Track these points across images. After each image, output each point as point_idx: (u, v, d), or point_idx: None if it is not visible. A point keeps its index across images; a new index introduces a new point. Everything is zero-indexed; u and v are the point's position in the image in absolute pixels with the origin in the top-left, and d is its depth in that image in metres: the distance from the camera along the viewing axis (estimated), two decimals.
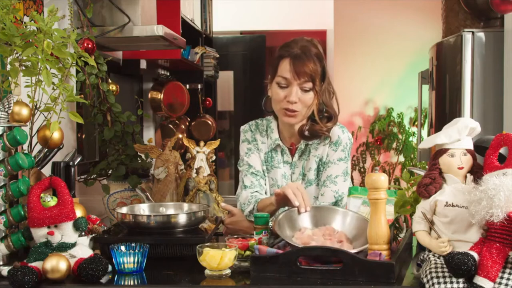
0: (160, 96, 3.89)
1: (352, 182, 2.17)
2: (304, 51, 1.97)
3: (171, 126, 4.12)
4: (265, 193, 2.12)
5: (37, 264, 1.47)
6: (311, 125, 2.05)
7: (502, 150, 1.45)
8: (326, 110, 2.05)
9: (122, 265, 1.53)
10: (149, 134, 4.05)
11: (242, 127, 2.21)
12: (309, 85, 1.97)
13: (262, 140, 2.15)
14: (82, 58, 1.81)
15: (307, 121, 2.07)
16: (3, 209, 1.62)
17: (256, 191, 2.09)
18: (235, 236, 1.73)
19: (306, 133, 2.05)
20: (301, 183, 2.09)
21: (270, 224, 1.77)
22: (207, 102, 4.61)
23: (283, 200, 1.87)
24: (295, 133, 2.08)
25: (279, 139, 2.11)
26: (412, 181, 1.74)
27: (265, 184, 2.13)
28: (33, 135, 1.84)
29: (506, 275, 1.29)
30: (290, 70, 1.96)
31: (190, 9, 4.04)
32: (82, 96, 2.33)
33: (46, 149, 1.94)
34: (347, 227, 1.71)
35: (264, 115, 2.22)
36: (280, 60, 2.00)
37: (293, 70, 1.95)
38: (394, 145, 5.46)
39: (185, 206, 1.96)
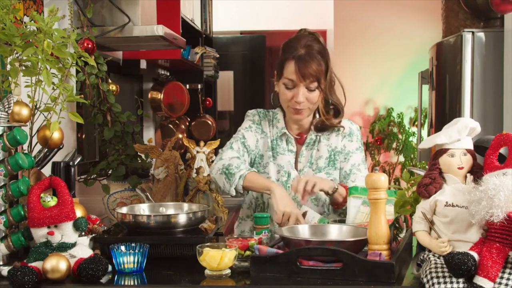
0: (160, 96, 3.89)
1: None
2: (308, 51, 2.00)
3: (171, 126, 4.12)
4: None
5: (37, 264, 1.47)
6: (323, 121, 2.10)
7: (502, 150, 1.44)
8: (332, 103, 2.11)
9: (122, 265, 1.53)
10: (149, 134, 4.05)
11: (249, 111, 2.23)
12: (314, 85, 2.01)
13: (268, 129, 2.17)
14: (82, 58, 1.81)
15: (313, 117, 2.13)
16: (3, 209, 1.62)
17: (240, 160, 2.06)
18: (235, 236, 1.73)
19: (320, 126, 2.11)
20: (309, 171, 2.11)
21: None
22: (207, 102, 4.61)
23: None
24: (302, 124, 2.13)
25: (285, 128, 2.14)
26: (412, 181, 1.74)
27: (249, 163, 2.13)
28: (33, 135, 1.84)
29: (506, 275, 1.29)
30: (296, 73, 1.99)
31: (190, 9, 4.04)
32: (82, 96, 2.34)
33: (46, 149, 1.94)
34: (344, 236, 1.69)
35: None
36: (285, 62, 2.03)
37: (298, 72, 1.99)
38: (394, 145, 5.46)
39: (185, 206, 1.96)
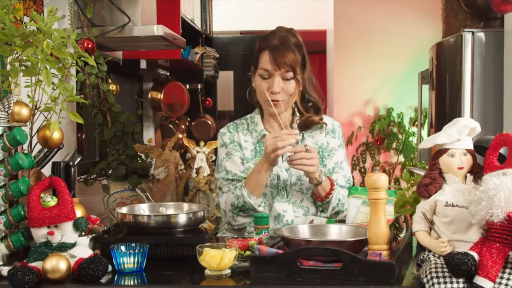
0: (160, 96, 3.89)
1: (352, 182, 2.17)
2: (283, 41, 2.01)
3: (171, 126, 4.12)
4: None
5: (37, 264, 1.47)
6: (307, 118, 2.09)
7: (502, 150, 1.44)
8: (310, 100, 2.10)
9: (122, 265, 1.53)
10: (149, 134, 4.06)
11: (220, 130, 2.21)
12: (290, 74, 2.01)
13: (244, 139, 2.13)
14: (82, 58, 1.81)
15: (293, 114, 2.11)
16: (3, 209, 1.62)
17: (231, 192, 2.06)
18: (235, 236, 1.73)
19: (303, 124, 2.10)
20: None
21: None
22: (207, 102, 4.62)
23: (273, 159, 1.91)
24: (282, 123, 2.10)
25: (265, 130, 2.11)
26: (412, 181, 1.74)
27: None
28: (33, 135, 1.84)
29: (506, 275, 1.29)
30: (271, 62, 2.00)
31: (190, 9, 4.04)
32: (82, 96, 2.34)
33: (46, 149, 1.94)
34: (344, 236, 1.69)
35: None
36: (260, 53, 2.04)
37: (273, 61, 1.99)
38: (394, 145, 5.45)
39: (185, 206, 1.96)
